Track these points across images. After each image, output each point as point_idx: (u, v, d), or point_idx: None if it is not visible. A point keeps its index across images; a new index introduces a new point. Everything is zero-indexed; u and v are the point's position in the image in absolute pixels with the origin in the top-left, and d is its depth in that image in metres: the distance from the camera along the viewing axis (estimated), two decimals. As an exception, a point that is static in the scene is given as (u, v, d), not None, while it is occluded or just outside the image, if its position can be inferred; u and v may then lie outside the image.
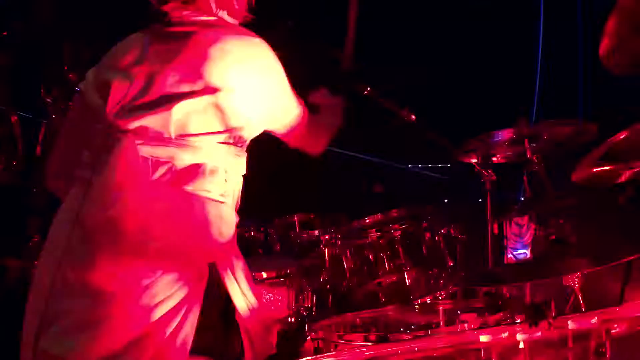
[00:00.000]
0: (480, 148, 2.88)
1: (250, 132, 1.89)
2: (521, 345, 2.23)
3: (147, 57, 1.82)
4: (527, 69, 4.80)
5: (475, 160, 2.90)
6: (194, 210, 1.71)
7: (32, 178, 3.40)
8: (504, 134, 2.81)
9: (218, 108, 1.74)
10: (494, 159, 2.97)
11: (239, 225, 1.94)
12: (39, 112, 3.41)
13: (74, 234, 1.67)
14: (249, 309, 1.81)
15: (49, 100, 3.29)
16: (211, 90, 1.73)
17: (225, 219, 1.78)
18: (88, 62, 2.08)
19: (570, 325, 2.15)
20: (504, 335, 2.25)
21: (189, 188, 1.70)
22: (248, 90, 1.80)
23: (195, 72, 1.74)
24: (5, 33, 3.37)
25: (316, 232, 2.93)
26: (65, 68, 3.26)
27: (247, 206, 2.02)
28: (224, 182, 1.80)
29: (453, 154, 3.02)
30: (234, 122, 1.78)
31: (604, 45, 2.48)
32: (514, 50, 4.74)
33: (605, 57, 2.45)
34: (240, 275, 1.84)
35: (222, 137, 1.77)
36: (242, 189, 1.95)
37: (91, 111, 1.85)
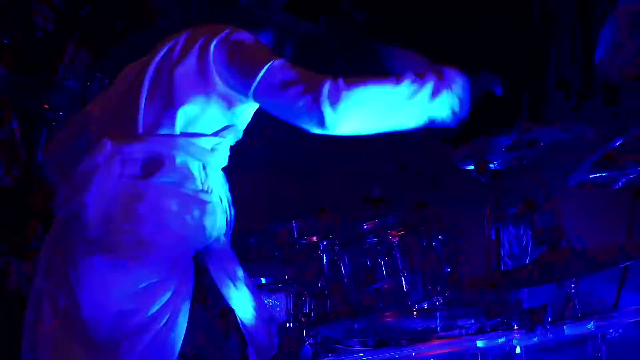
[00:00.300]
0: (477, 153, 2.90)
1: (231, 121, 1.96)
2: (518, 351, 2.27)
3: (127, 74, 2.01)
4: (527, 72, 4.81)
5: (473, 166, 2.92)
6: (162, 202, 1.75)
7: (33, 182, 3.43)
8: (502, 139, 2.83)
9: (173, 103, 1.81)
10: (492, 164, 2.98)
11: (237, 232, 1.97)
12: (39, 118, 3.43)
13: (68, 239, 1.73)
14: (251, 308, 1.84)
15: (46, 106, 3.33)
16: (167, 86, 1.80)
17: (199, 213, 1.80)
18: (86, 69, 2.15)
19: (567, 330, 2.18)
20: (501, 340, 2.29)
21: (157, 180, 1.75)
22: (200, 82, 1.85)
23: (152, 71, 1.87)
24: (5, 41, 3.39)
25: (314, 238, 2.96)
26: (64, 76, 3.29)
27: (244, 211, 2.04)
28: (199, 176, 1.84)
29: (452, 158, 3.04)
30: (194, 115, 1.84)
31: (601, 50, 2.49)
32: (513, 54, 4.76)
33: (601, 63, 2.47)
34: (236, 273, 1.87)
35: (185, 130, 1.82)
36: (239, 194, 1.99)
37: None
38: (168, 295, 1.68)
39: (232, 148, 2.07)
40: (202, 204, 1.82)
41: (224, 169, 2.04)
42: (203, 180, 1.84)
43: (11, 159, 3.38)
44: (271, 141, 4.72)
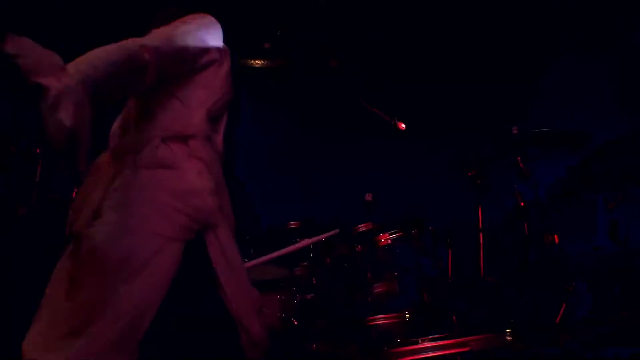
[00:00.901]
0: (472, 157, 2.92)
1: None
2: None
3: None
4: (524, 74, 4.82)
5: (466, 169, 2.93)
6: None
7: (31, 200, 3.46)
8: (497, 143, 2.85)
9: None
10: (486, 167, 2.99)
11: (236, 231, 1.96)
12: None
13: None
14: (245, 296, 1.84)
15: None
16: None
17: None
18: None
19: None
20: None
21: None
22: None
23: None
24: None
25: (307, 240, 2.97)
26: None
27: (242, 213, 2.06)
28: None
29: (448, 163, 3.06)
30: None
31: None
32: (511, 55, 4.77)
33: None
34: (235, 258, 1.86)
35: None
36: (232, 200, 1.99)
37: None
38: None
39: (233, 150, 2.07)
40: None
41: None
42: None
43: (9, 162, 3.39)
44: (269, 145, 4.77)
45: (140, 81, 1.68)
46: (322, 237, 2.91)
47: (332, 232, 2.91)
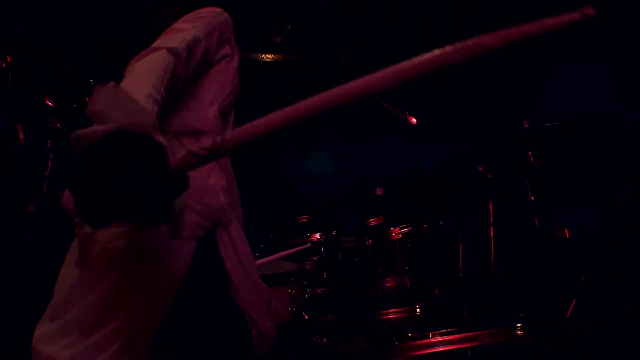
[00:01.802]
0: (482, 152, 2.92)
1: None
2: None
3: None
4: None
5: (476, 162, 2.93)
6: None
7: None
8: (505, 139, 2.85)
9: None
10: (496, 162, 2.99)
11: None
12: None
13: None
14: (253, 290, 1.82)
15: (51, 125, 3.29)
16: None
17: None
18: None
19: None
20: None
21: None
22: None
23: None
24: (8, 60, 3.34)
25: (317, 234, 2.96)
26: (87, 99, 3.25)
27: (249, 207, 2.04)
28: None
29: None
30: None
31: None
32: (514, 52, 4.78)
33: None
34: (244, 252, 1.83)
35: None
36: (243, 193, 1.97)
37: None
38: None
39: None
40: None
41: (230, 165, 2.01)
42: None
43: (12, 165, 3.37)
44: (276, 139, 4.77)
45: (174, 92, 1.66)
46: (293, 250, 2.93)
47: (304, 246, 2.94)
